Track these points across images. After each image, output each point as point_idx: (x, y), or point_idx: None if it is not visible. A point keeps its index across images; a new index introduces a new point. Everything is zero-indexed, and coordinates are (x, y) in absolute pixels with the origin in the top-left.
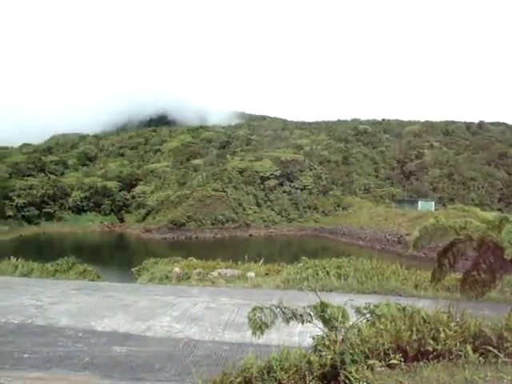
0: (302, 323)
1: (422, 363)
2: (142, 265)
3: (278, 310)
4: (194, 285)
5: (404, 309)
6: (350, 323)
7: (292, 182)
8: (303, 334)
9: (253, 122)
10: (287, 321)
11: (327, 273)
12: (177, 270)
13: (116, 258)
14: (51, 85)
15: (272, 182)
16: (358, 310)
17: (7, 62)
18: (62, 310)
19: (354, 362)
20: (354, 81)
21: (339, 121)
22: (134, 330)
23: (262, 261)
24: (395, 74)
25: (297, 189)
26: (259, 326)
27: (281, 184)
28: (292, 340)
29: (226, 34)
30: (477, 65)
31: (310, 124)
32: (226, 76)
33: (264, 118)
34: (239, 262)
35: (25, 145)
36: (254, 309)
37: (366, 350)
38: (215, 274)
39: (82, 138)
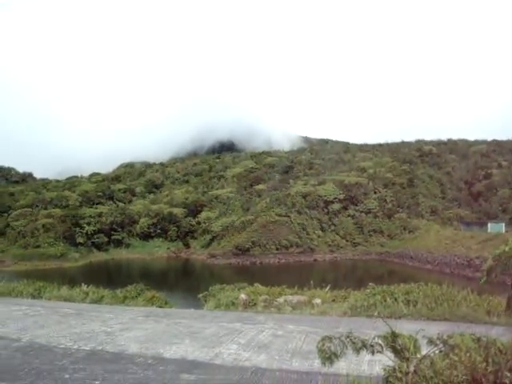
0: (373, 354)
1: None
2: (209, 291)
3: (348, 339)
4: (259, 311)
5: (479, 339)
6: (422, 353)
7: (356, 205)
8: (372, 363)
9: (315, 146)
10: (357, 351)
11: (395, 299)
12: (243, 296)
13: (182, 283)
14: (117, 115)
15: (336, 206)
16: (430, 341)
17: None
18: (132, 336)
19: None
20: (417, 101)
21: (403, 142)
22: (201, 358)
23: (328, 287)
24: (460, 94)
25: (361, 212)
26: (328, 356)
27: (345, 208)
28: (361, 369)
29: (284, 60)
30: None
31: (373, 146)
32: (288, 100)
33: (326, 141)
34: (305, 288)
35: (94, 174)
36: (323, 338)
37: (440, 382)
38: (281, 300)
39: (149, 166)
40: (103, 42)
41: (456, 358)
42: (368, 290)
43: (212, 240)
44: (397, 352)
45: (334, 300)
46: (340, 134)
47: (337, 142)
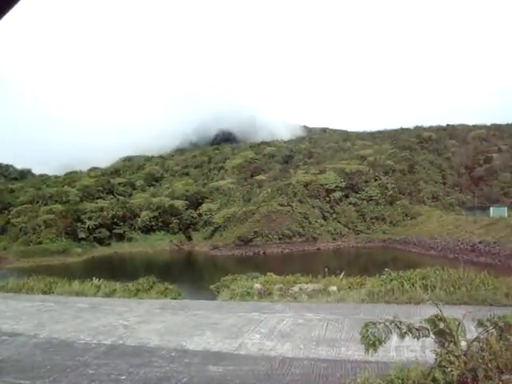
0: (418, 339)
1: None
2: (221, 281)
3: (393, 324)
4: (276, 301)
5: None
6: (467, 337)
7: (357, 193)
8: (399, 349)
9: (314, 135)
10: (402, 336)
11: (412, 284)
12: (258, 286)
13: (187, 275)
14: (116, 109)
15: (337, 194)
16: (480, 323)
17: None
18: (151, 329)
19: (487, 377)
20: (415, 88)
21: (402, 129)
22: (225, 349)
23: (342, 274)
24: (458, 79)
25: (363, 200)
26: (373, 343)
27: (346, 196)
28: (389, 355)
29: (280, 49)
30: None
31: (371, 134)
32: (285, 90)
33: (324, 130)
34: (319, 276)
35: (93, 168)
36: (367, 324)
37: (500, 364)
38: (296, 289)
39: (148, 159)
40: (100, 36)
41: None
42: (384, 276)
43: (214, 231)
44: (444, 335)
45: (349, 287)
46: (338, 123)
47: (335, 131)
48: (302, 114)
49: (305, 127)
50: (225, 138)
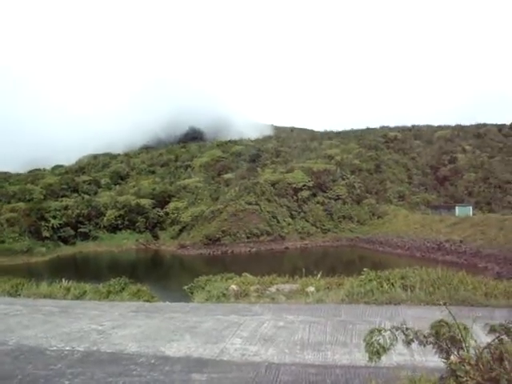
0: (424, 346)
1: None
2: (195, 282)
3: (399, 331)
4: (253, 302)
5: None
6: (474, 343)
7: (325, 192)
8: (388, 353)
9: (281, 134)
10: (408, 343)
11: (392, 284)
12: (234, 287)
13: (153, 275)
14: (78, 105)
15: (305, 193)
16: (492, 329)
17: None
18: (126, 334)
19: None
20: (380, 88)
21: (368, 129)
22: (207, 355)
23: (320, 274)
24: (422, 80)
25: (330, 199)
26: (377, 351)
27: (314, 195)
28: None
29: (248, 47)
30: (503, 66)
31: (338, 133)
32: (254, 89)
33: (292, 129)
34: (296, 277)
35: (57, 166)
36: (372, 331)
37: None
38: (273, 289)
39: (113, 157)
40: (62, 26)
41: None
42: (363, 276)
43: (181, 230)
44: (454, 342)
45: (328, 288)
46: (305, 122)
47: (303, 130)
48: (270, 113)
49: (273, 126)
50: (194, 136)
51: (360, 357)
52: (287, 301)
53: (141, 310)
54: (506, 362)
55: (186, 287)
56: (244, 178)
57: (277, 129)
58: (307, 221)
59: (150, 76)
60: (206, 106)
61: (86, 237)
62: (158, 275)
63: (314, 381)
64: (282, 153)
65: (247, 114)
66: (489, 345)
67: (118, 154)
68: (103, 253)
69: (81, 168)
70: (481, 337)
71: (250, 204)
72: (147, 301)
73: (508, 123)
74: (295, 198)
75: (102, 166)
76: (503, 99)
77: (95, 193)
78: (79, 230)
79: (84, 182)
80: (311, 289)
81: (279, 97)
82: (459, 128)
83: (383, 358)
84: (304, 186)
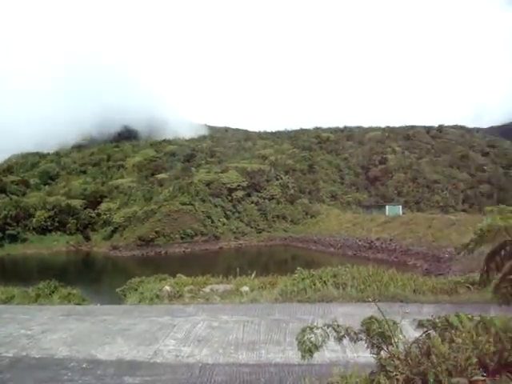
0: (355, 342)
1: (504, 377)
2: (128, 284)
3: (330, 328)
4: (187, 303)
5: (472, 318)
6: (403, 338)
7: (259, 192)
8: (320, 350)
9: (216, 134)
10: (339, 340)
11: (324, 282)
12: (167, 288)
13: (85, 278)
14: (5, 101)
15: (239, 193)
16: (420, 324)
17: None
18: (57, 338)
19: (437, 381)
20: (313, 89)
21: (302, 129)
22: (140, 357)
23: (254, 274)
24: (354, 82)
25: (264, 199)
26: (309, 349)
27: (248, 195)
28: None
29: (181, 44)
30: (432, 70)
31: (272, 134)
32: (187, 88)
33: (226, 129)
34: (230, 277)
35: None
36: (304, 330)
37: (450, 367)
38: (207, 290)
39: (43, 156)
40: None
41: (460, 341)
42: (296, 275)
43: (114, 232)
44: (384, 338)
45: (262, 287)
46: (239, 122)
47: (237, 130)
48: (205, 112)
49: (207, 126)
50: (127, 135)
51: (293, 355)
52: (222, 301)
53: (72, 313)
54: (434, 356)
55: (118, 289)
56: (178, 178)
57: (211, 129)
58: (242, 221)
59: (83, 72)
60: (141, 104)
61: (14, 239)
62: (90, 278)
63: (248, 380)
64: (216, 153)
65: (182, 113)
66: (417, 340)
67: (48, 154)
68: (32, 255)
69: (9, 168)
70: (409, 332)
71: (184, 204)
72: (78, 304)
73: (436, 125)
74: (230, 198)
75: (31, 166)
76: (431, 102)
77: (24, 193)
78: (7, 232)
79: (12, 182)
80: (245, 288)
81: (213, 96)
82: (389, 129)
83: (316, 355)
84: (238, 186)
